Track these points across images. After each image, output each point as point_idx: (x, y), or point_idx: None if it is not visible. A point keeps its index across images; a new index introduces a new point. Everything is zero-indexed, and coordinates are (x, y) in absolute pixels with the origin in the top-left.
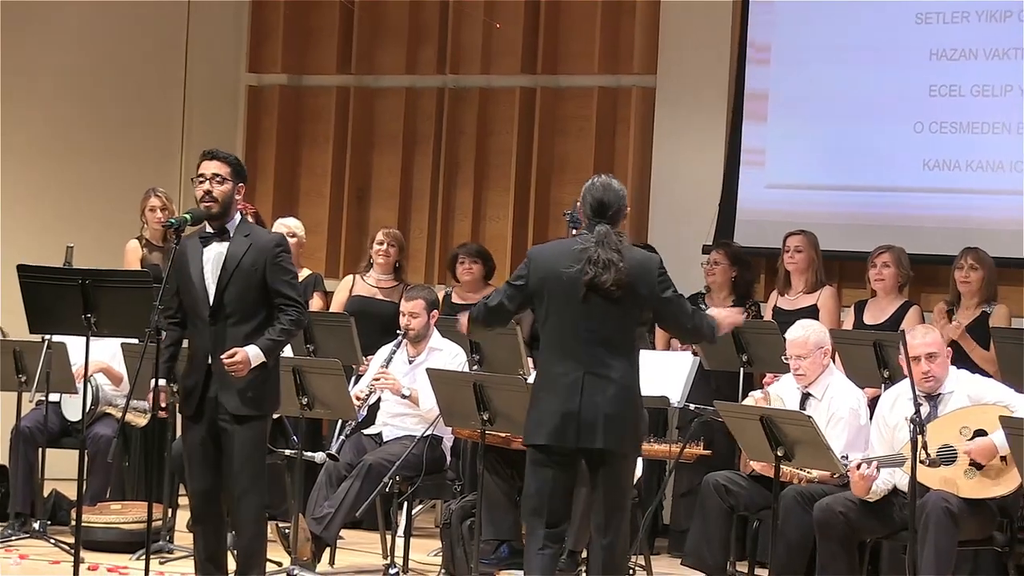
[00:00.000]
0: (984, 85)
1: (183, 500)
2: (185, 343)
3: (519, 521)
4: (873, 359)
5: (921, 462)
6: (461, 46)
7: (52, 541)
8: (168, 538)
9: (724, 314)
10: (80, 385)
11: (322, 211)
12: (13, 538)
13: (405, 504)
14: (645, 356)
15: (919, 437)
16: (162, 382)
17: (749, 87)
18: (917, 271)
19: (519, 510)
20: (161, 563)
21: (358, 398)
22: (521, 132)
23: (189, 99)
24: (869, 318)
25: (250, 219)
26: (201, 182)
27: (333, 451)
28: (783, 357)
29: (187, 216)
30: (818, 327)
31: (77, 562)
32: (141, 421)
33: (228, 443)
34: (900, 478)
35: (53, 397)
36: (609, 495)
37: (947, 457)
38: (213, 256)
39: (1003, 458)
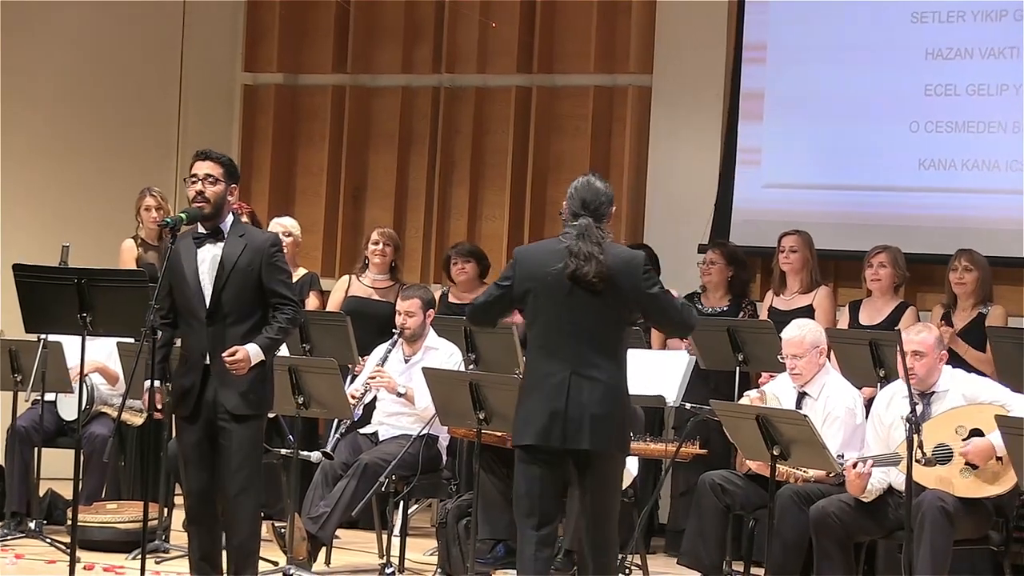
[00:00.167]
0: (980, 84)
1: (179, 500)
2: (176, 342)
3: (515, 521)
4: (869, 359)
5: (917, 461)
6: (457, 45)
7: (48, 541)
8: (164, 537)
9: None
10: (76, 384)
11: (318, 210)
12: (9, 538)
13: (401, 503)
14: (641, 355)
15: (915, 436)
16: (157, 383)
17: (745, 86)
18: (913, 271)
19: None
20: (157, 563)
21: (353, 396)
22: (517, 131)
23: (185, 98)
24: (865, 318)
25: (245, 218)
26: (194, 182)
27: (328, 449)
28: (779, 356)
29: (183, 215)
30: (814, 327)
31: (73, 562)
32: (137, 420)
33: (226, 442)
34: (896, 477)
35: (49, 396)
36: (597, 495)
37: (943, 456)
38: (209, 257)
39: (999, 458)
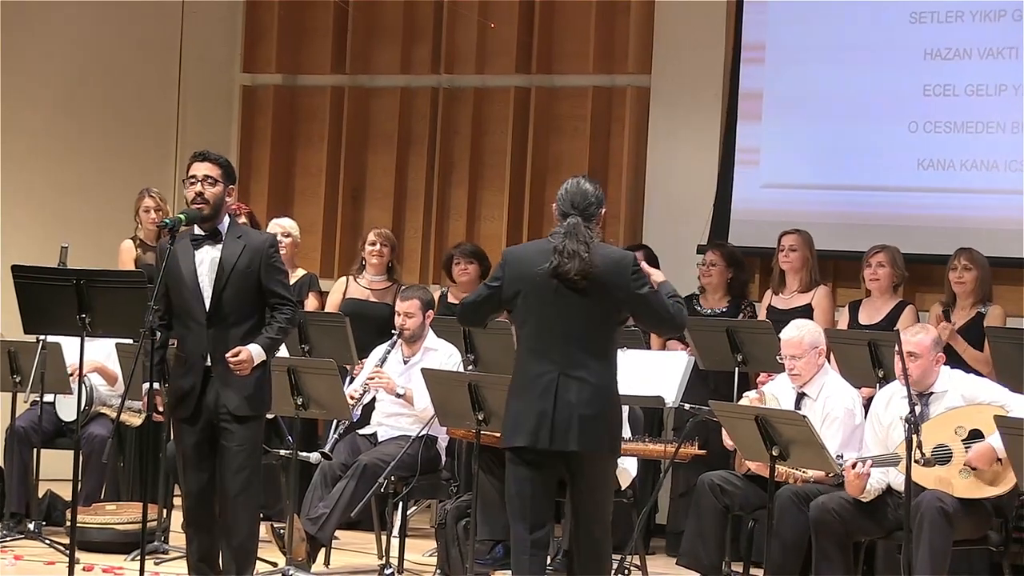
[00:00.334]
0: (978, 85)
1: (178, 501)
2: (172, 343)
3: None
4: (868, 359)
5: (916, 461)
6: (456, 46)
7: (47, 542)
8: (163, 538)
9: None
10: (75, 385)
11: (317, 211)
12: (8, 539)
13: (400, 504)
14: (640, 356)
15: (914, 436)
16: (156, 385)
17: (744, 87)
18: (912, 271)
19: None
20: (156, 564)
21: (352, 397)
22: (516, 132)
23: (184, 99)
24: (864, 318)
25: (243, 219)
26: (192, 184)
27: (327, 450)
28: (778, 357)
29: (182, 216)
30: (813, 327)
31: (72, 563)
32: (136, 421)
33: (228, 443)
34: (895, 477)
35: (48, 397)
36: (588, 496)
37: (942, 457)
38: (208, 259)
39: (999, 459)
